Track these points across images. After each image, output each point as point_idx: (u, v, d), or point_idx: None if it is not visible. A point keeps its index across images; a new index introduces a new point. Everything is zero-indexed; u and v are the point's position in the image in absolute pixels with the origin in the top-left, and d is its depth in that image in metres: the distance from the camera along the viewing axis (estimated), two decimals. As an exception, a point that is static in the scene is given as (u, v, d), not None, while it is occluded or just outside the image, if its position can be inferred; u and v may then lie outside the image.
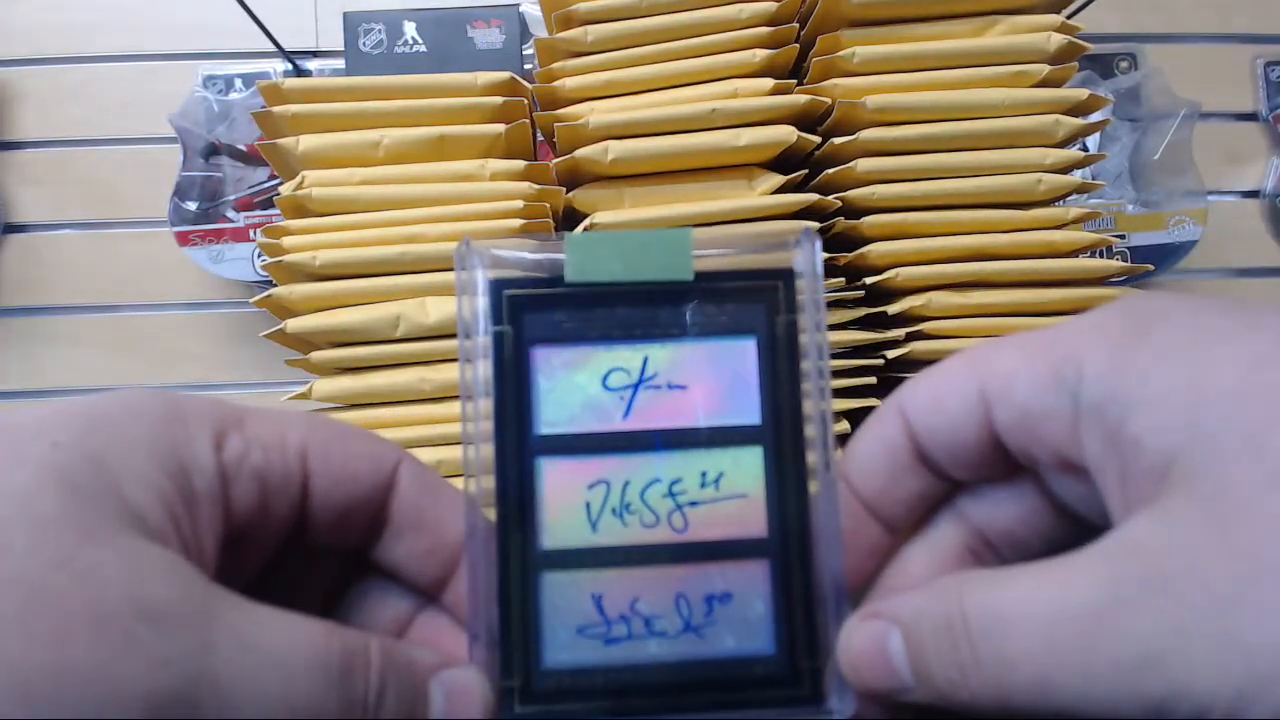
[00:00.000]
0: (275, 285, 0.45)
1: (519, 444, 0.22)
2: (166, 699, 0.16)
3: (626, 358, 0.22)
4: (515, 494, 0.22)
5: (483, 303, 0.22)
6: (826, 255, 0.45)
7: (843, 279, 0.47)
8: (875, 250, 0.44)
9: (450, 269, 0.43)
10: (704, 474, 0.22)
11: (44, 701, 0.15)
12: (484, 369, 0.22)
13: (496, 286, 0.22)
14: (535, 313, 0.22)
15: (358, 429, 0.23)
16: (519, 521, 0.22)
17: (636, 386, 0.22)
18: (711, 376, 0.22)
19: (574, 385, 0.22)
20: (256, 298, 0.45)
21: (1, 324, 0.66)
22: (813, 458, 0.22)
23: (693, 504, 0.22)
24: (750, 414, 0.22)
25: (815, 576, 0.22)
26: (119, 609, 0.16)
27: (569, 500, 0.22)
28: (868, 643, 0.20)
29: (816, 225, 0.45)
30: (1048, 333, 0.20)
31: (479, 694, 0.21)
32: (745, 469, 0.22)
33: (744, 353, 0.22)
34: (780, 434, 0.22)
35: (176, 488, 0.18)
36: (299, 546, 0.23)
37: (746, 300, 0.22)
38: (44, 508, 0.16)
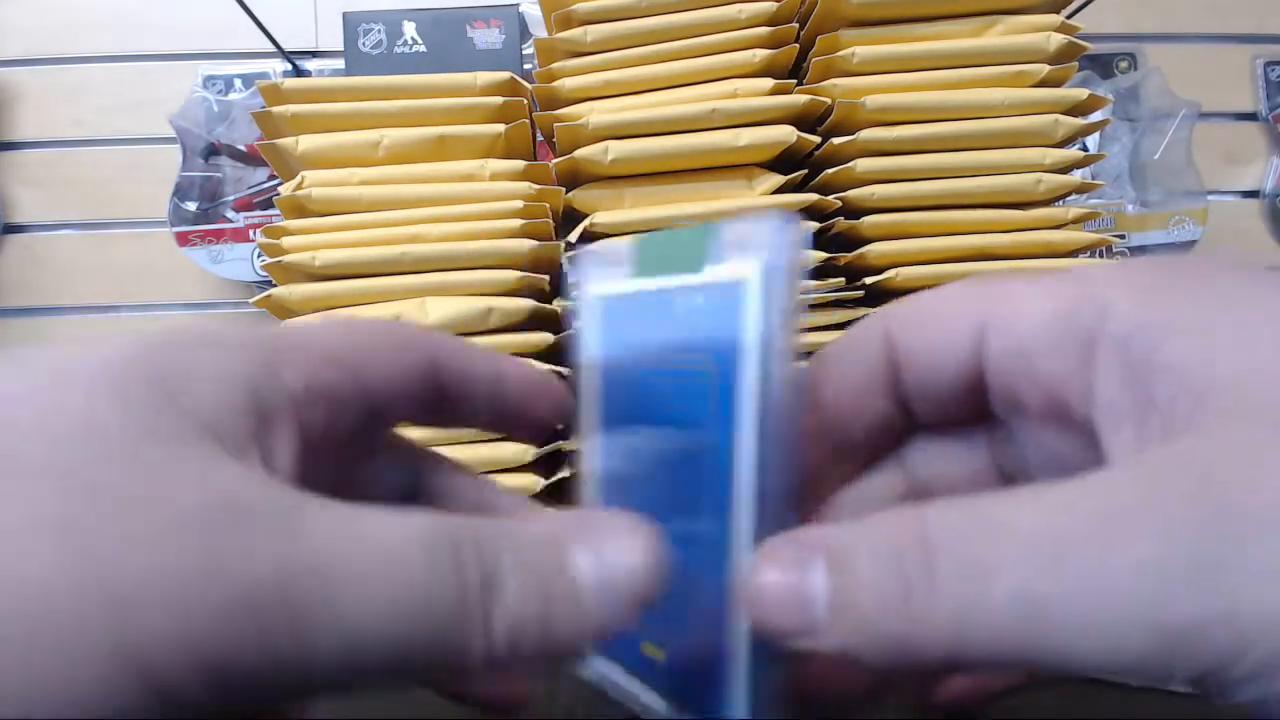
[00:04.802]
0: (275, 285, 0.45)
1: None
2: (265, 595, 0.14)
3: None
4: None
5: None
6: (826, 255, 0.45)
7: (843, 279, 0.47)
8: (875, 250, 0.44)
9: (449, 269, 0.44)
10: None
11: (140, 608, 0.13)
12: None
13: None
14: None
15: (390, 323, 0.22)
16: None
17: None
18: None
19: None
20: (256, 298, 0.45)
21: (0, 324, 0.66)
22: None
23: None
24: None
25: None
26: (201, 509, 0.14)
27: None
28: (780, 572, 0.16)
29: (816, 225, 0.45)
30: (1061, 274, 0.18)
31: (646, 546, 0.16)
32: None
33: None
34: None
35: (250, 406, 0.17)
36: (369, 454, 0.22)
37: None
38: (104, 418, 0.15)
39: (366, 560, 0.14)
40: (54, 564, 0.13)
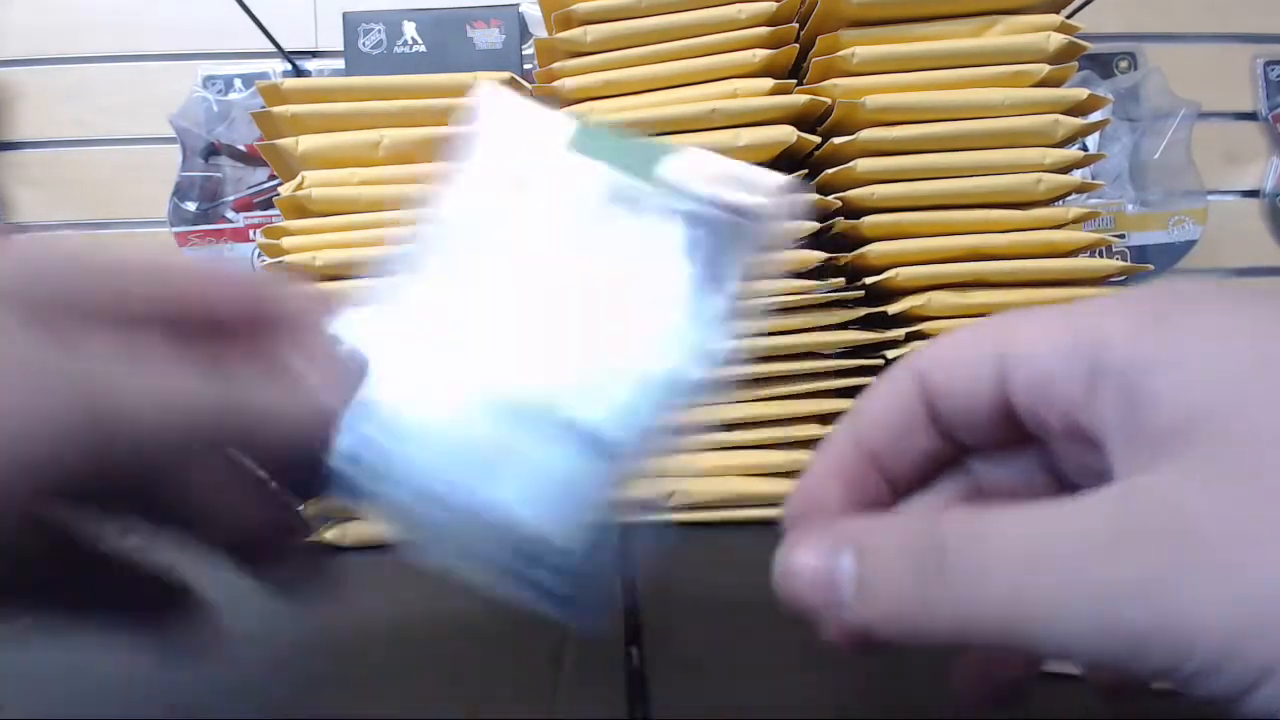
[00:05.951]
0: (275, 285, 0.45)
1: None
2: (73, 425, 0.17)
3: None
4: None
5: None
6: (826, 255, 0.45)
7: (843, 279, 0.47)
8: (875, 250, 0.44)
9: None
10: None
11: None
12: None
13: None
14: None
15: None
16: None
17: None
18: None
19: None
20: (256, 298, 0.45)
21: (1, 324, 0.66)
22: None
23: None
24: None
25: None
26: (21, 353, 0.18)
27: None
28: (811, 556, 0.19)
29: (816, 225, 0.45)
30: (1071, 306, 0.20)
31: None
32: None
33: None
34: None
35: (66, 301, 0.20)
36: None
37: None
38: None
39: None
40: None
